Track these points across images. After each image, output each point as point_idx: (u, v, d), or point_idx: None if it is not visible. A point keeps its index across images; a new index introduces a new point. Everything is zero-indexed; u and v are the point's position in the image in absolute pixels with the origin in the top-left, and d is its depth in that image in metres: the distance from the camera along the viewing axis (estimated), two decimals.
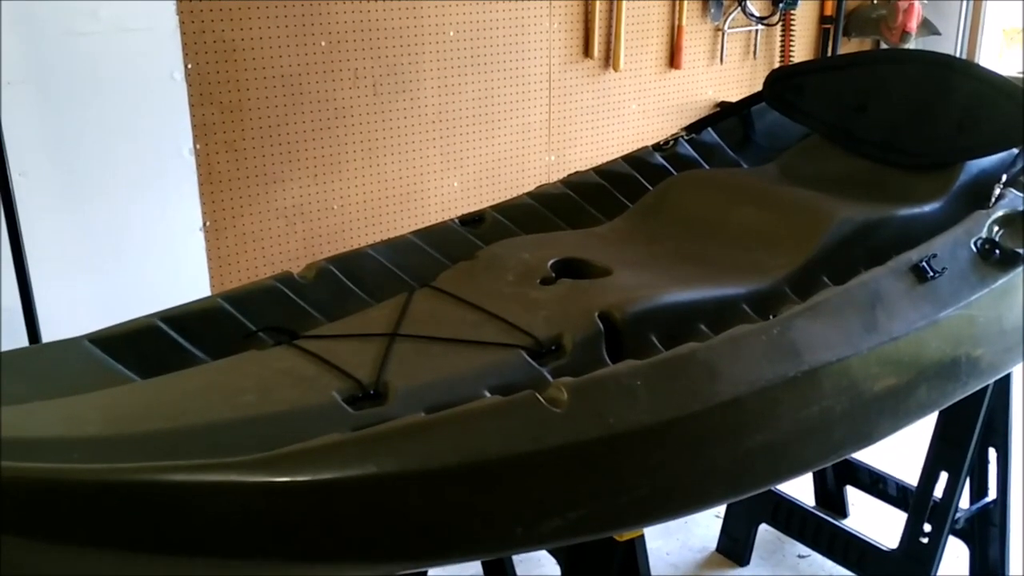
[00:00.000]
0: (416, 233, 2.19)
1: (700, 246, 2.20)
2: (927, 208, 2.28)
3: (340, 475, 1.27)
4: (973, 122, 2.39)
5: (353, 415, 1.49)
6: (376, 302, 1.96)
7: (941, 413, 2.48)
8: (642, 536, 1.85)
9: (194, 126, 3.16)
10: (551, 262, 2.00)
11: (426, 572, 2.32)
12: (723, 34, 4.47)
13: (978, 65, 2.57)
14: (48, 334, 2.83)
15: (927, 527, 2.57)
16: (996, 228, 2.14)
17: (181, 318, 1.76)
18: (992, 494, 2.72)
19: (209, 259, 3.31)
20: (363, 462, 1.29)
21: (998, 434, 2.64)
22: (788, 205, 2.24)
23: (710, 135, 2.81)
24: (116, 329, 1.69)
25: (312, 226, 3.53)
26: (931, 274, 1.95)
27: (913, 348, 1.91)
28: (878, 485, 3.07)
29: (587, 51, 4.07)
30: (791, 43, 4.66)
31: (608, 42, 4.11)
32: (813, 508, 2.98)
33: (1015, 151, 2.38)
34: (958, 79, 2.46)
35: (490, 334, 1.73)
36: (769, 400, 1.66)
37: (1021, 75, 3.62)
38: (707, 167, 2.73)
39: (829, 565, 2.94)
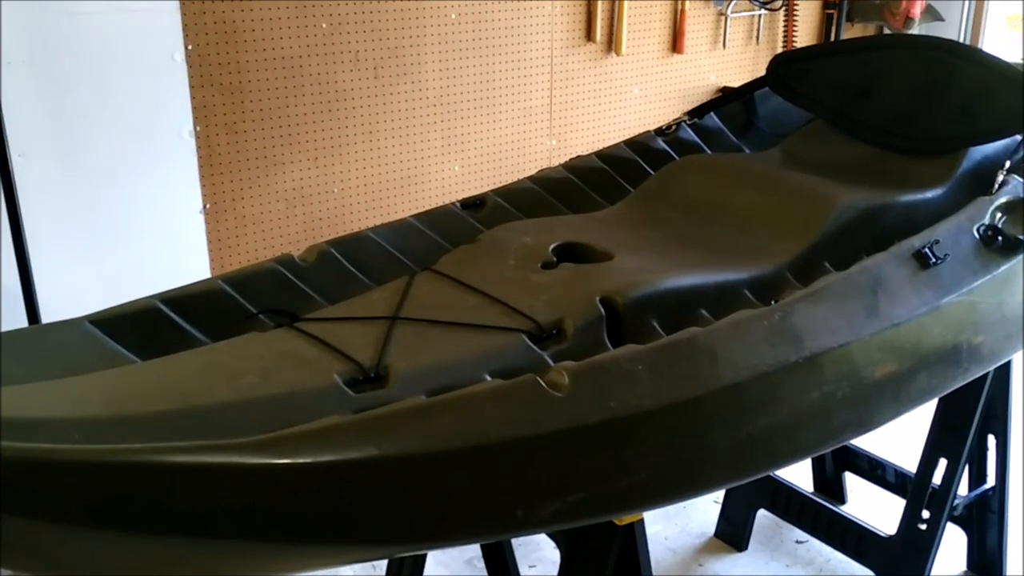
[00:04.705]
0: (417, 216, 2.18)
1: (702, 231, 2.19)
2: (930, 194, 2.28)
3: (341, 457, 1.27)
4: (976, 108, 2.38)
5: (354, 398, 1.49)
6: (377, 285, 1.96)
7: (941, 400, 2.49)
8: (642, 520, 1.85)
9: (194, 108, 3.15)
10: (552, 246, 1.99)
11: (426, 554, 2.33)
12: (726, 19, 4.45)
13: (981, 51, 2.56)
14: (48, 315, 2.83)
15: (925, 513, 2.57)
16: (999, 215, 2.13)
17: (181, 300, 1.75)
18: (991, 481, 2.73)
19: (209, 241, 3.30)
20: (364, 444, 1.28)
21: (997, 421, 2.65)
22: (790, 190, 2.24)
23: (712, 120, 2.81)
24: (116, 310, 1.69)
25: (312, 209, 3.52)
26: (933, 260, 1.95)
27: (914, 334, 1.91)
28: (877, 471, 3.07)
29: (589, 35, 4.05)
30: (794, 28, 4.65)
31: (610, 26, 4.10)
32: (812, 494, 2.98)
33: (1018, 137, 2.38)
34: (961, 65, 2.45)
35: (491, 318, 1.73)
36: (770, 385, 1.66)
37: None
38: (709, 152, 2.72)
39: (827, 551, 2.95)
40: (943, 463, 2.55)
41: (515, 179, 2.45)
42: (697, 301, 1.88)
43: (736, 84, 4.01)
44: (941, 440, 2.55)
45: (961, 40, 4.92)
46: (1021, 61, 2.62)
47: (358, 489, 1.30)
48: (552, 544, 2.68)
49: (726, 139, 2.81)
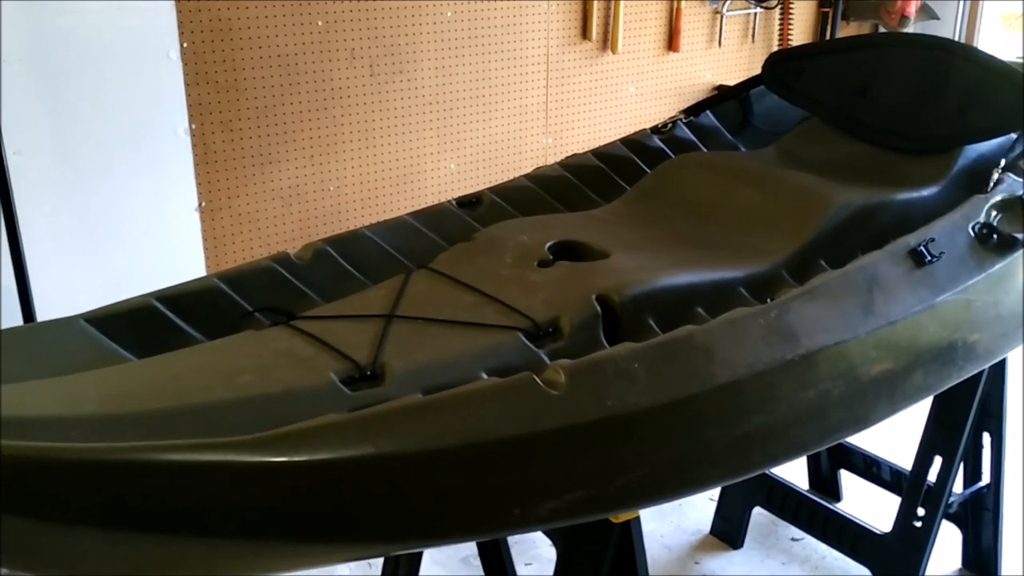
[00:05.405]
0: (413, 215, 2.18)
1: (698, 229, 2.19)
2: (925, 192, 2.28)
3: (337, 455, 1.27)
4: (972, 107, 2.38)
5: (351, 396, 1.49)
6: (373, 283, 1.95)
7: (936, 397, 2.49)
8: (638, 518, 1.85)
9: (190, 105, 3.15)
10: (549, 244, 1.99)
11: (422, 552, 2.33)
12: (722, 17, 4.46)
13: (977, 49, 2.57)
14: (43, 313, 2.83)
15: (921, 511, 2.58)
16: (994, 213, 2.14)
17: (177, 298, 1.75)
18: (986, 479, 2.74)
19: (205, 239, 3.30)
20: (361, 443, 1.28)
21: (993, 419, 2.66)
22: (786, 189, 2.24)
23: (708, 118, 2.81)
24: (112, 308, 1.68)
25: (308, 207, 3.52)
26: (929, 258, 1.95)
27: (910, 332, 1.92)
28: (872, 469, 3.08)
29: (585, 33, 4.05)
30: (790, 27, 4.65)
31: (606, 24, 4.10)
32: (807, 492, 2.99)
33: (1014, 136, 2.38)
34: (957, 63, 2.45)
35: (488, 316, 1.73)
36: (766, 383, 1.66)
37: (1020, 60, 3.61)
38: (705, 150, 2.72)
39: (823, 548, 2.95)
40: (938, 461, 2.56)
41: (511, 177, 2.45)
42: (693, 299, 1.88)
43: (732, 82, 4.02)
44: (936, 438, 2.56)
45: (956, 39, 4.92)
46: (1015, 59, 2.63)
47: (355, 487, 1.30)
48: (548, 542, 2.68)
49: (722, 137, 2.81)
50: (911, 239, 1.97)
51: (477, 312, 1.74)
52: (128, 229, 3.12)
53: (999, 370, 2.56)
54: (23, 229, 2.77)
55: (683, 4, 4.27)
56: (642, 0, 4.17)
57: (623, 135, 2.71)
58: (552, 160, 2.77)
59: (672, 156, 2.61)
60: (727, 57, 4.55)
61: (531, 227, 2.11)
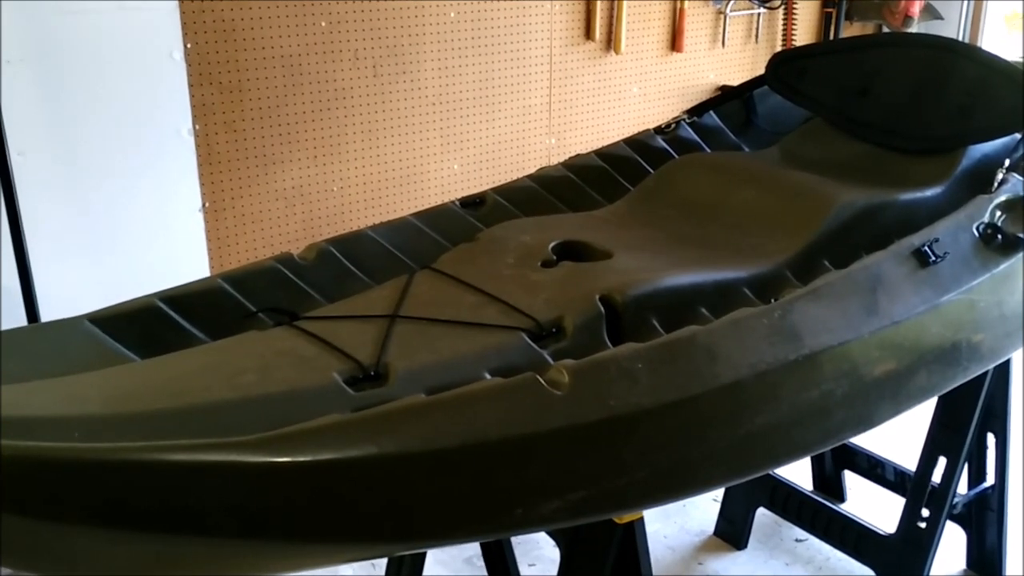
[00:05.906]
0: (416, 215, 2.18)
1: (701, 229, 2.19)
2: (929, 192, 2.28)
3: (340, 455, 1.26)
4: (976, 107, 2.38)
5: (354, 396, 1.49)
6: (376, 284, 1.96)
7: (940, 398, 2.49)
8: (641, 519, 1.85)
9: (193, 106, 3.15)
10: (552, 245, 1.99)
11: (425, 553, 2.33)
12: (725, 17, 4.45)
13: (981, 49, 2.56)
14: (47, 314, 2.83)
15: (925, 512, 2.58)
16: (998, 213, 2.13)
17: (181, 298, 1.75)
18: (990, 479, 2.73)
19: (208, 240, 3.30)
20: (364, 443, 1.28)
21: (997, 419, 2.65)
22: (790, 189, 2.24)
23: (712, 118, 2.81)
24: (116, 309, 1.69)
25: (312, 207, 3.52)
26: (933, 258, 1.95)
27: (914, 332, 1.91)
28: (876, 470, 3.07)
29: (588, 34, 4.05)
30: (793, 27, 4.65)
31: (609, 25, 4.10)
32: (811, 492, 2.98)
33: (1018, 136, 2.38)
34: (961, 63, 2.45)
35: (491, 316, 1.73)
36: (769, 383, 1.66)
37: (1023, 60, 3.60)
38: (708, 150, 2.72)
39: (827, 549, 2.95)
40: (943, 461, 2.55)
41: (514, 178, 2.45)
42: (697, 299, 1.88)
43: (735, 83, 4.01)
44: (941, 438, 2.55)
45: (960, 39, 4.92)
46: (1020, 59, 2.63)
47: (358, 487, 1.30)
48: (552, 542, 2.68)
49: (725, 138, 2.81)
50: (915, 239, 1.96)
51: (480, 312, 1.74)
52: (131, 230, 3.12)
53: (1003, 370, 2.56)
54: (27, 229, 2.78)
55: (686, 4, 4.27)
56: (645, 0, 4.16)
57: (626, 135, 2.71)
58: (555, 160, 2.76)
59: (675, 156, 2.61)
60: (730, 57, 4.55)
61: (534, 227, 2.11)
